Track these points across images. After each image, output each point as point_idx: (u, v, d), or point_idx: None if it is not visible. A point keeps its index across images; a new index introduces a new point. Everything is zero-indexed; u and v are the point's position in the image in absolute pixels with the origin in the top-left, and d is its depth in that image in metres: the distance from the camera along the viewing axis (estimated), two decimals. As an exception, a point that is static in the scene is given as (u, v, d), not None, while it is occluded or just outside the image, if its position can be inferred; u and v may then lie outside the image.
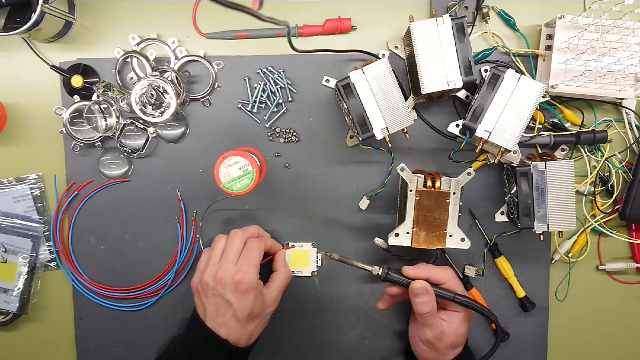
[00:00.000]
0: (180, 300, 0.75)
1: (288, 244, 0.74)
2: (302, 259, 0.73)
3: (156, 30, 0.72)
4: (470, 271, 0.73)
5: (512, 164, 0.68)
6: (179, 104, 0.71)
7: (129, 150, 0.72)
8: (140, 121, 0.71)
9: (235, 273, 0.60)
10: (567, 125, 0.72)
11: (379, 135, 0.63)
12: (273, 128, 0.73)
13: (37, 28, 0.65)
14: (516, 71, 0.63)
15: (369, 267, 0.65)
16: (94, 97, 0.71)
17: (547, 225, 0.65)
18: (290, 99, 0.73)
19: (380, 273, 0.64)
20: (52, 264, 0.76)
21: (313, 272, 0.74)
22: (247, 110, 0.73)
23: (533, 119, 0.70)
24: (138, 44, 0.72)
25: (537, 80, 0.69)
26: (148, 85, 0.68)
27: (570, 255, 0.75)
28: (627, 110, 0.71)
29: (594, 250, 0.76)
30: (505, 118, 0.62)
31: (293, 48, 0.62)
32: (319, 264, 0.74)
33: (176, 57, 0.72)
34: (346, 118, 0.71)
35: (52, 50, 0.73)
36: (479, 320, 0.75)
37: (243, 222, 0.74)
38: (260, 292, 0.63)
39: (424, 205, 0.64)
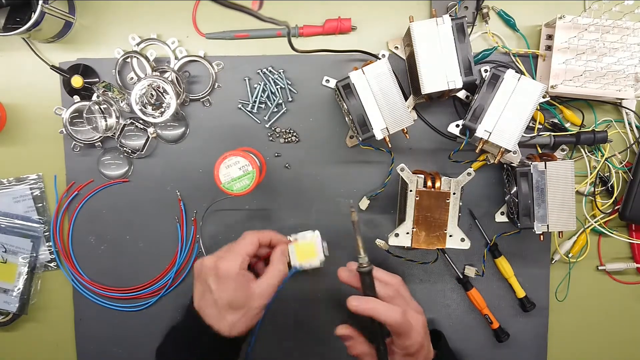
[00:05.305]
0: (181, 300, 0.75)
1: (289, 239, 0.68)
2: (308, 250, 0.68)
3: (156, 30, 0.72)
4: (470, 271, 0.73)
5: (512, 164, 0.68)
6: (179, 104, 0.71)
7: (129, 151, 0.72)
8: (140, 121, 0.71)
9: (218, 261, 0.59)
10: (567, 125, 0.72)
11: (379, 136, 0.63)
12: (273, 128, 0.73)
13: (37, 28, 0.65)
14: (516, 71, 0.63)
15: (362, 252, 0.59)
16: (94, 98, 0.71)
17: (547, 225, 0.65)
18: (290, 99, 0.73)
19: (365, 265, 0.58)
20: (52, 264, 0.76)
21: (321, 260, 0.68)
22: (247, 111, 0.73)
23: (533, 119, 0.70)
24: (138, 44, 0.72)
25: (537, 80, 0.69)
26: (148, 86, 0.68)
27: (570, 255, 0.75)
28: (627, 111, 0.71)
29: (594, 251, 0.76)
30: (505, 118, 0.62)
31: (293, 48, 0.62)
32: (327, 253, 0.69)
33: (176, 58, 0.72)
34: (346, 118, 0.71)
35: (52, 50, 0.73)
36: (480, 320, 0.75)
37: (243, 222, 0.74)
38: (244, 283, 0.59)
39: (424, 206, 0.64)
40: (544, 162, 0.65)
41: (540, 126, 0.72)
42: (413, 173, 0.65)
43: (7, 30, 0.65)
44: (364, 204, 0.73)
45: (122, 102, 0.71)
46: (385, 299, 0.59)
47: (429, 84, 0.63)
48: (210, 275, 0.59)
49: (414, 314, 0.60)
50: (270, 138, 0.73)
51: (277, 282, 0.63)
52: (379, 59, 0.68)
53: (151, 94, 0.69)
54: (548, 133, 0.71)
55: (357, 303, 0.57)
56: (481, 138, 0.63)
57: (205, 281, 0.60)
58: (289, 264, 0.68)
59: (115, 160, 0.73)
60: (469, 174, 0.65)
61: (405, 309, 0.58)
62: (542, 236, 0.67)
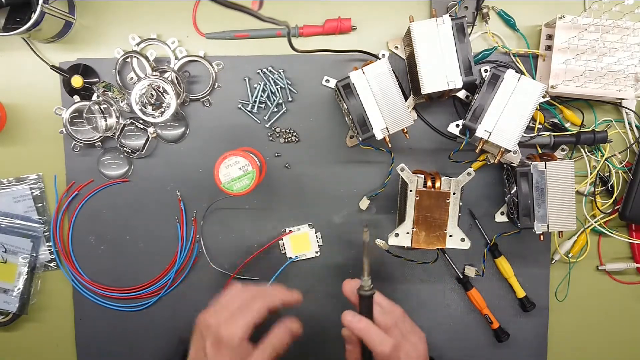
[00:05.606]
0: (180, 301, 0.75)
1: (285, 230, 0.74)
2: (302, 242, 0.74)
3: (156, 30, 0.72)
4: (470, 271, 0.73)
5: (512, 164, 0.68)
6: (179, 104, 0.71)
7: (129, 151, 0.72)
8: (140, 121, 0.71)
9: (221, 325, 0.53)
10: (567, 125, 0.72)
11: (379, 136, 0.63)
12: (273, 128, 0.73)
13: (37, 28, 0.65)
14: (516, 71, 0.63)
15: (366, 275, 0.56)
16: (94, 97, 0.71)
17: (547, 225, 0.65)
18: (290, 99, 0.73)
19: (366, 288, 0.55)
20: (52, 264, 0.76)
21: (316, 252, 0.74)
22: (247, 111, 0.73)
23: (533, 119, 0.70)
24: (138, 44, 0.72)
25: (537, 80, 0.69)
26: (148, 86, 0.68)
27: (570, 255, 0.75)
28: (627, 111, 0.71)
29: (594, 251, 0.76)
30: (505, 118, 0.62)
31: (293, 48, 0.62)
32: (320, 242, 0.74)
33: (176, 57, 0.72)
34: (346, 118, 0.71)
35: (52, 50, 0.73)
36: (480, 320, 0.75)
37: (243, 222, 0.74)
38: (242, 355, 0.54)
39: (424, 206, 0.64)
40: (544, 162, 0.65)
41: (540, 126, 0.72)
42: (413, 173, 0.65)
43: (7, 30, 0.65)
44: (364, 204, 0.73)
45: (122, 102, 0.71)
46: (381, 327, 0.55)
47: (429, 84, 0.63)
48: (209, 337, 0.53)
49: (409, 351, 0.54)
50: (270, 138, 0.73)
51: (269, 355, 0.55)
52: (379, 59, 0.68)
53: (151, 94, 0.69)
54: (548, 133, 0.71)
55: (351, 319, 0.54)
56: (481, 138, 0.63)
57: (204, 341, 0.54)
58: (284, 254, 0.73)
59: (115, 160, 0.73)
60: (469, 174, 0.65)
61: (400, 342, 0.54)
62: (542, 236, 0.67)
